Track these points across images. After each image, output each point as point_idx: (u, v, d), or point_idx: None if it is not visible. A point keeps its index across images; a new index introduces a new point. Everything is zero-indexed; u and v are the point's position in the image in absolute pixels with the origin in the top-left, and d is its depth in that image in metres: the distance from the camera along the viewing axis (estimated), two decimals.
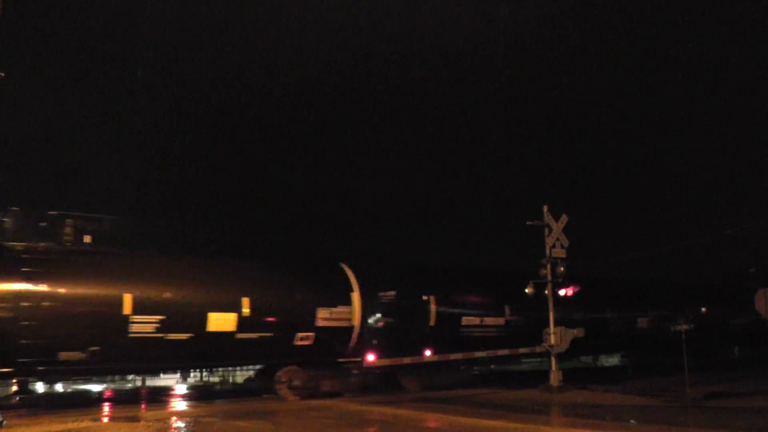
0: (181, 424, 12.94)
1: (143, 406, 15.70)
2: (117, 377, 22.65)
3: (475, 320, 21.07)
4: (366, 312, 18.78)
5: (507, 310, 21.79)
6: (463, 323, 20.73)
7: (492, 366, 27.58)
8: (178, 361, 16.84)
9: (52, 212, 15.78)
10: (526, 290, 19.82)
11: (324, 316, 17.78)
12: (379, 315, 19.26)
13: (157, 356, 15.73)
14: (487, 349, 21.00)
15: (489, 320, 21.44)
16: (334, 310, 18.00)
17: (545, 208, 19.92)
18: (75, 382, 22.08)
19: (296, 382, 17.42)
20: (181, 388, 22.40)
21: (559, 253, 19.64)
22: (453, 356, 19.85)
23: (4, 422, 12.79)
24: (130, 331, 14.84)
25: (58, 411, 14.72)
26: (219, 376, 25.31)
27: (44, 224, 15.58)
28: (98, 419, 13.82)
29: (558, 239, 19.71)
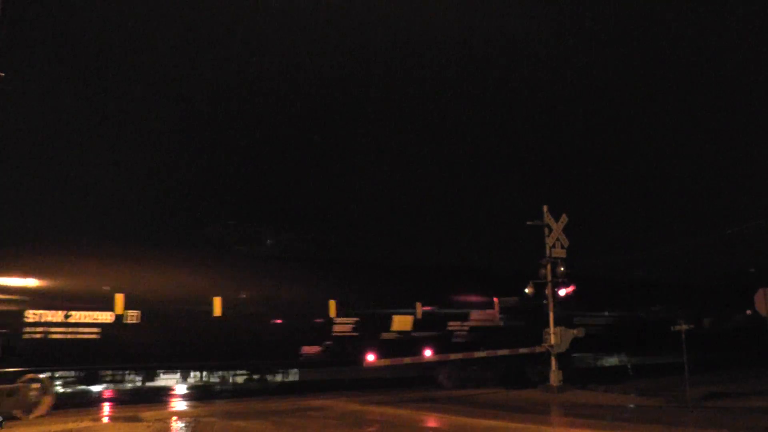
0: (181, 424, 12.94)
1: (143, 405, 15.67)
2: (117, 377, 21.89)
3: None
4: None
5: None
6: None
7: None
8: None
9: None
10: (526, 290, 19.80)
11: None
12: None
13: None
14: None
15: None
16: None
17: (545, 208, 19.93)
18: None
19: None
20: (181, 388, 22.37)
21: (559, 253, 19.65)
22: (453, 356, 19.76)
23: (4, 422, 12.78)
24: None
25: (58, 411, 14.70)
26: (219, 377, 25.21)
27: None
28: (98, 419, 13.82)
29: (558, 239, 19.72)
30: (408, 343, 19.34)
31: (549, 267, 19.46)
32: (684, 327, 16.72)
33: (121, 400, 18.27)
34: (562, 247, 19.74)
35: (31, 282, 14.61)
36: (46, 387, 14.52)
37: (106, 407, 16.30)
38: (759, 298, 18.17)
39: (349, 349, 18.46)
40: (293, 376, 24.15)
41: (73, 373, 16.11)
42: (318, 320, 18.29)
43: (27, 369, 14.28)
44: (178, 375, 20.72)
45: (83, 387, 17.66)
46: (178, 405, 17.18)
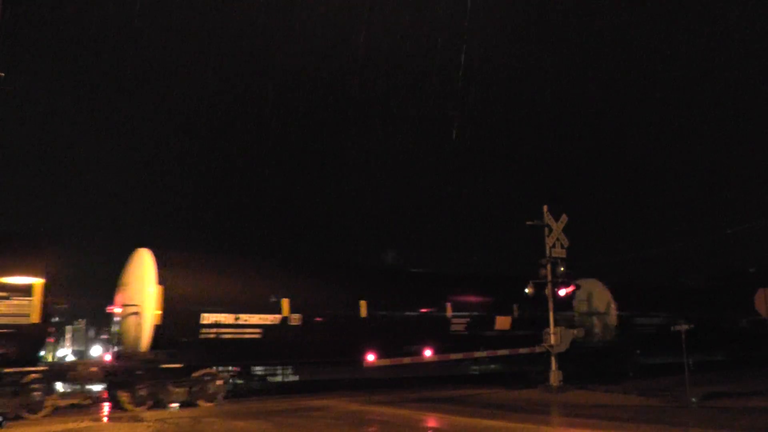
0: (181, 424, 12.93)
1: (144, 406, 15.64)
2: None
3: None
4: None
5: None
6: None
7: None
8: None
9: None
10: (527, 290, 19.81)
11: None
12: None
13: None
14: None
15: None
16: None
17: (545, 208, 19.94)
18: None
19: None
20: None
21: (559, 253, 19.66)
22: (453, 356, 19.83)
23: (5, 423, 12.81)
24: None
25: (58, 411, 14.68)
26: None
27: None
28: (98, 419, 13.82)
29: (558, 239, 19.72)
30: (507, 341, 21.17)
31: (549, 267, 19.47)
32: (684, 327, 16.73)
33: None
34: (562, 247, 19.74)
35: (209, 288, 16.66)
36: (223, 380, 16.52)
37: (106, 407, 16.26)
38: (759, 298, 18.15)
39: (462, 345, 20.47)
40: (293, 376, 24.14)
41: (230, 368, 17.55)
42: (438, 320, 20.67)
43: (205, 364, 16.22)
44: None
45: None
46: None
